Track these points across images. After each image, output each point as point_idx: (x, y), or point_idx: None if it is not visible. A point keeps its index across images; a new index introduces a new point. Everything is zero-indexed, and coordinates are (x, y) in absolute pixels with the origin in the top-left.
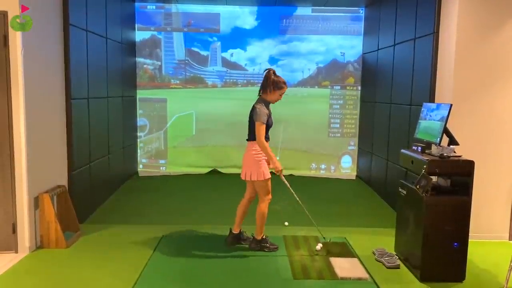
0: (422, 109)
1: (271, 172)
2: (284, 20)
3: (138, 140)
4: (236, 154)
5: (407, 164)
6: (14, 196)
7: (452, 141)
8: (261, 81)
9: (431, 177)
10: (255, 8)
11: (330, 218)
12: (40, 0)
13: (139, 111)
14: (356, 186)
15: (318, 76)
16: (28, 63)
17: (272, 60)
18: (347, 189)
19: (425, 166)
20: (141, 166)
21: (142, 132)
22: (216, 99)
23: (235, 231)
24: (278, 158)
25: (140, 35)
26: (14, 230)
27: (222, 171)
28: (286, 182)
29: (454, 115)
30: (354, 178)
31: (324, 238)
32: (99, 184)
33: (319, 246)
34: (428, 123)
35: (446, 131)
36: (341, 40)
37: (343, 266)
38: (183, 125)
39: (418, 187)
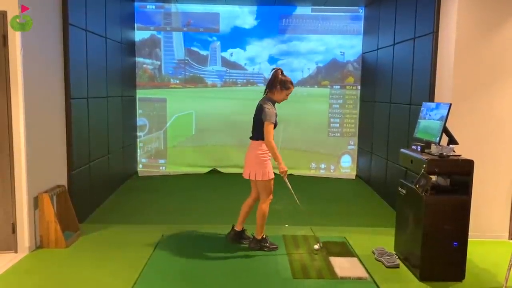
0: (422, 108)
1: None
2: (284, 19)
3: (138, 140)
4: (236, 154)
5: (407, 164)
6: (14, 196)
7: (452, 141)
8: (268, 80)
9: (431, 176)
10: (254, 8)
11: (330, 218)
12: (40, 0)
13: (138, 111)
14: (356, 185)
15: (317, 75)
16: (28, 63)
17: (272, 59)
18: (346, 189)
19: (424, 166)
20: (140, 166)
21: (141, 132)
22: (216, 99)
23: (238, 228)
24: None
25: (139, 35)
26: (13, 230)
27: (222, 171)
28: (289, 184)
29: (453, 115)
30: (353, 177)
31: (317, 238)
32: (98, 184)
33: (317, 245)
34: (428, 122)
35: (445, 131)
36: (341, 40)
37: (343, 266)
38: (183, 125)
39: (417, 186)
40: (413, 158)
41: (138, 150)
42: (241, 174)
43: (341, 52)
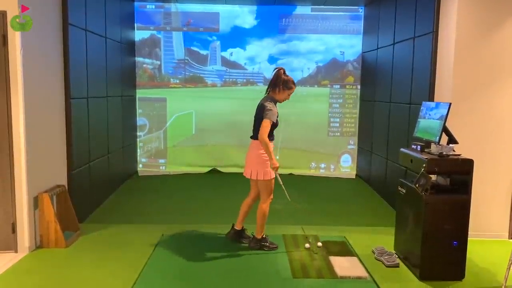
0: (421, 108)
1: None
2: (284, 19)
3: (138, 139)
4: (236, 153)
5: (407, 163)
6: (14, 196)
7: (451, 140)
8: (270, 79)
9: (431, 175)
10: (254, 7)
11: (330, 217)
12: (39, 0)
13: (138, 111)
14: (356, 185)
15: (317, 75)
16: (28, 62)
17: (272, 59)
18: (346, 188)
19: (424, 165)
20: (141, 165)
21: (141, 131)
22: (216, 99)
23: (237, 227)
24: (277, 157)
25: (139, 35)
26: (13, 230)
27: (222, 170)
28: (280, 180)
29: (453, 114)
30: (353, 177)
31: (306, 237)
32: (98, 184)
33: (308, 244)
34: (427, 122)
35: (445, 130)
36: (341, 39)
37: (343, 265)
38: (183, 125)
39: (417, 186)
40: (413, 158)
41: (138, 150)
42: (241, 173)
43: (341, 52)
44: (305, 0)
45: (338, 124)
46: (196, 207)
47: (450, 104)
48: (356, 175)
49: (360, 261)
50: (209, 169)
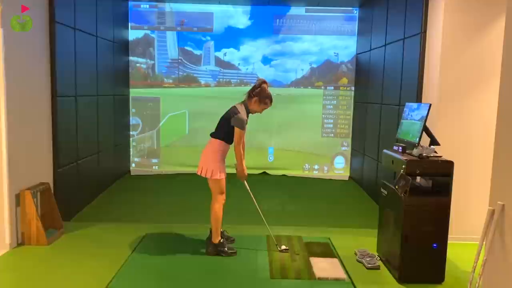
0: (404, 109)
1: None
2: (278, 19)
3: (131, 139)
4: (229, 154)
5: (388, 164)
6: None
7: (433, 141)
8: (252, 87)
9: (413, 177)
10: (248, 8)
11: (318, 218)
12: None
13: (131, 110)
14: (348, 186)
15: (311, 76)
16: (10, 58)
17: (266, 60)
18: (338, 190)
19: (404, 166)
20: (133, 165)
21: (134, 131)
22: (209, 99)
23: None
24: (272, 159)
25: (133, 34)
26: None
27: None
28: (248, 187)
29: (439, 115)
30: (347, 178)
31: (276, 245)
32: (87, 182)
33: (283, 245)
34: (409, 123)
35: (426, 131)
36: (335, 40)
37: (322, 267)
38: (176, 124)
39: (397, 187)
40: (393, 159)
41: (131, 149)
42: (233, 174)
43: (335, 53)
44: (299, 0)
45: (332, 126)
46: (185, 207)
47: (430, 105)
48: (350, 176)
49: (341, 262)
50: None
